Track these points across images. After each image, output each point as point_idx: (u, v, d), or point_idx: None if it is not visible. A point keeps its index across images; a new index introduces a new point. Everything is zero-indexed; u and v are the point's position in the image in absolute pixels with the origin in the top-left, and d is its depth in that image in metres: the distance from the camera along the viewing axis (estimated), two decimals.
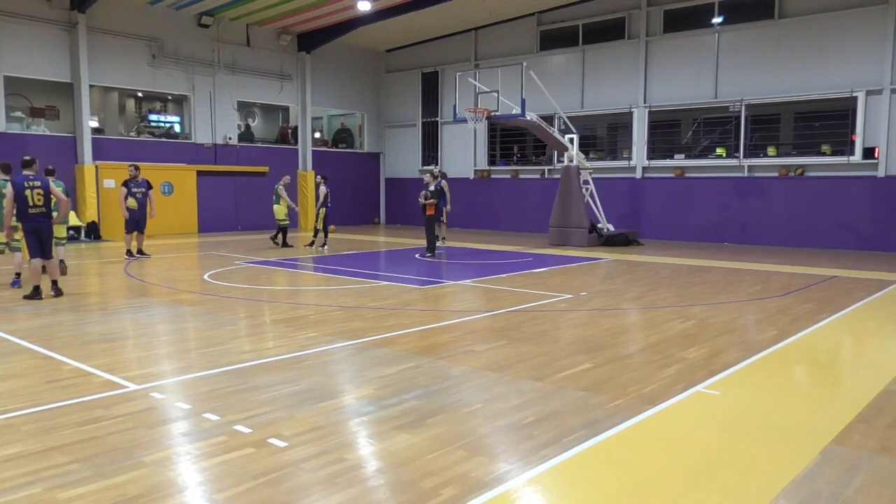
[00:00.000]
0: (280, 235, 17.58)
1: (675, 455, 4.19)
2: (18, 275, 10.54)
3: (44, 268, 9.67)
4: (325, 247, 16.73)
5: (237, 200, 22.83)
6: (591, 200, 19.21)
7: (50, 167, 11.94)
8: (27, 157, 9.97)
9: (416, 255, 15.73)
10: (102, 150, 19.76)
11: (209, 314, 8.66)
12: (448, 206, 17.86)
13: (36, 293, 9.47)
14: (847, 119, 17.65)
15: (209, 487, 3.74)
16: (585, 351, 6.82)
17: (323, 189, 16.78)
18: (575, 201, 18.47)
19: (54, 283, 9.77)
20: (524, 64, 18.02)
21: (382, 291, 10.58)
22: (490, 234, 22.01)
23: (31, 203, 9.46)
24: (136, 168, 14.85)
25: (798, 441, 4.42)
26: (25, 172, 9.64)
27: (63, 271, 11.39)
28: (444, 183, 17.85)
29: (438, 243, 17.78)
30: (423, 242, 17.78)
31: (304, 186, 24.70)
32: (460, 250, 17.01)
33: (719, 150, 19.72)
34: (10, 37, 18.24)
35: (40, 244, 9.60)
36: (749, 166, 19.13)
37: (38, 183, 9.57)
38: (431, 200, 15.17)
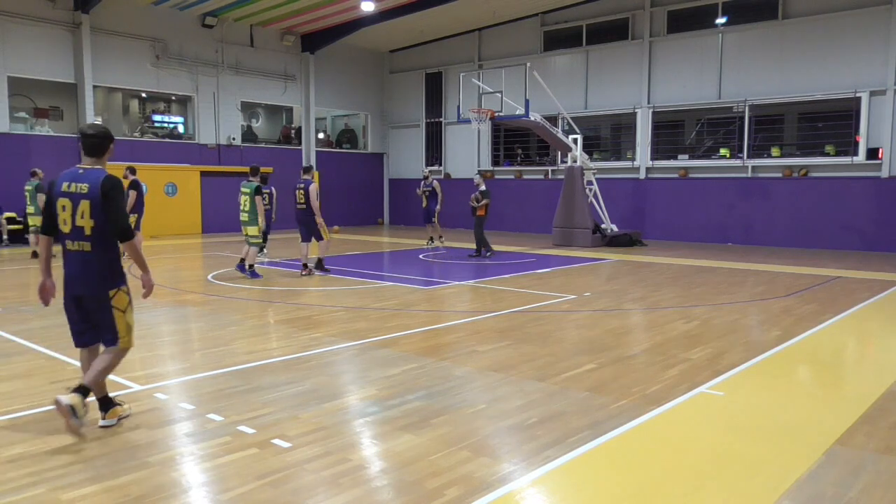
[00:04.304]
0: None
1: (678, 456, 4.18)
2: (251, 266, 11.93)
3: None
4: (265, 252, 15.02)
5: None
6: (594, 201, 19.20)
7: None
8: (305, 165, 12.85)
9: (467, 255, 15.48)
10: None
11: (213, 315, 8.68)
12: (438, 206, 17.76)
13: (319, 265, 12.35)
14: (851, 119, 17.61)
15: (213, 488, 3.74)
16: (589, 351, 6.82)
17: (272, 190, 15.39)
18: (579, 202, 18.46)
19: (319, 261, 12.40)
20: (528, 64, 18.02)
21: (386, 292, 10.59)
22: (493, 235, 21.89)
23: (297, 201, 12.20)
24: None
25: (802, 442, 4.42)
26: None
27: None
28: (435, 183, 17.83)
29: (436, 244, 17.77)
30: (425, 243, 17.80)
31: None
32: (464, 251, 17.00)
33: (723, 151, 19.70)
34: (13, 37, 18.30)
35: (307, 232, 12.25)
36: (753, 167, 19.10)
37: (302, 185, 12.17)
38: (484, 202, 15.00)
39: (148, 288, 4.77)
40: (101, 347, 4.73)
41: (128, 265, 13.78)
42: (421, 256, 15.79)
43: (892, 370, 6.18)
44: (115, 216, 4.45)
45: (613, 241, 18.45)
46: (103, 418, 4.60)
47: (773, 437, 4.50)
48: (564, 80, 22.21)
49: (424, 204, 17.85)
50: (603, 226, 18.99)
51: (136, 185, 14.64)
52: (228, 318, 8.44)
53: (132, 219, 14.44)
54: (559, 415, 4.89)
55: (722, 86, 19.51)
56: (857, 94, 17.37)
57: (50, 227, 4.56)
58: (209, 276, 12.04)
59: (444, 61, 25.59)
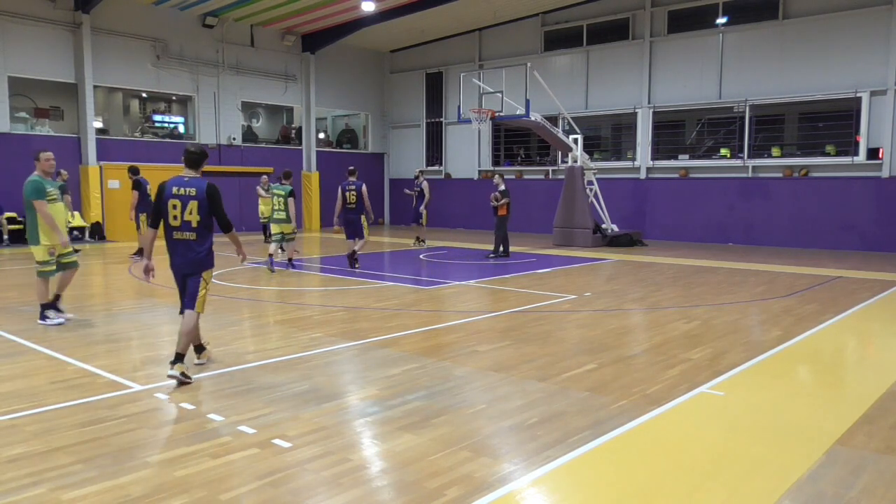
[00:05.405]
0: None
1: (679, 455, 4.18)
2: (290, 259, 13.42)
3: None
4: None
5: (241, 201, 22.83)
6: (595, 201, 19.20)
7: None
8: (350, 168, 13.42)
9: (487, 256, 15.46)
10: (106, 150, 19.80)
11: (213, 314, 8.67)
12: (423, 208, 17.79)
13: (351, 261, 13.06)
14: (851, 119, 17.60)
15: (213, 488, 3.74)
16: (589, 351, 6.82)
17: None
18: (579, 202, 18.46)
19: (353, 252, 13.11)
20: (528, 64, 18.01)
21: (386, 292, 10.59)
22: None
23: (346, 201, 12.92)
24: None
25: (802, 442, 4.41)
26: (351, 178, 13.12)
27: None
28: (424, 183, 17.87)
29: (416, 243, 17.78)
30: (412, 243, 17.80)
31: (307, 187, 24.74)
32: (464, 251, 17.01)
33: (723, 151, 19.69)
34: (14, 37, 18.29)
35: (353, 231, 13.09)
36: (753, 167, 19.09)
37: (353, 187, 12.93)
38: (504, 201, 15.00)
39: (244, 255, 6.39)
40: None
41: (129, 265, 13.77)
42: (422, 256, 15.79)
43: (893, 370, 6.18)
44: (219, 214, 5.79)
45: (614, 241, 18.45)
46: (198, 358, 6.15)
47: (773, 436, 4.50)
48: (565, 80, 22.20)
49: (414, 204, 18.10)
50: (603, 226, 18.99)
51: (138, 185, 14.67)
52: (228, 318, 8.44)
53: (142, 217, 14.53)
54: (560, 415, 4.89)
55: (722, 86, 19.50)
56: (858, 94, 17.36)
57: (157, 221, 5.80)
58: None
59: (445, 61, 25.58)
